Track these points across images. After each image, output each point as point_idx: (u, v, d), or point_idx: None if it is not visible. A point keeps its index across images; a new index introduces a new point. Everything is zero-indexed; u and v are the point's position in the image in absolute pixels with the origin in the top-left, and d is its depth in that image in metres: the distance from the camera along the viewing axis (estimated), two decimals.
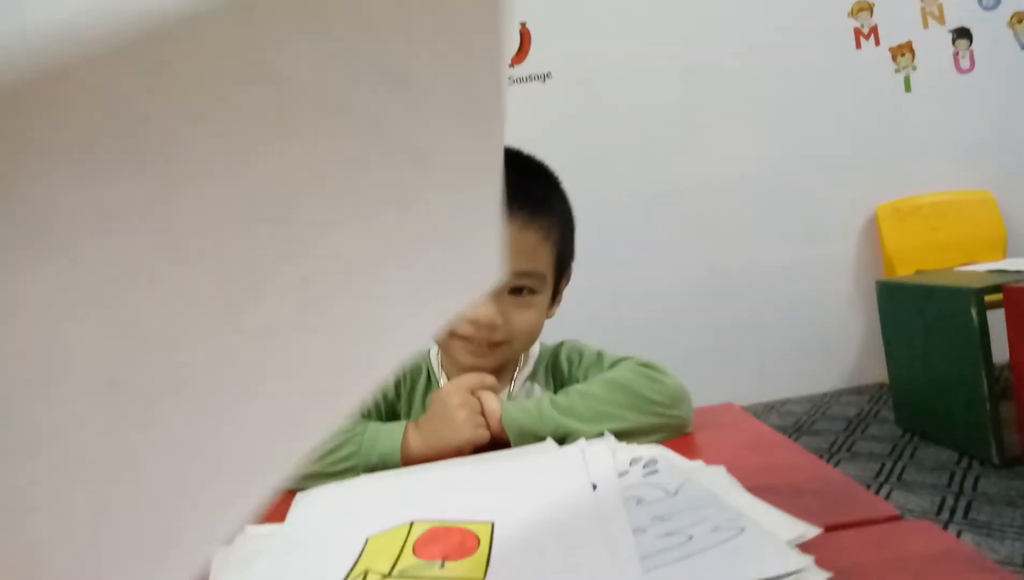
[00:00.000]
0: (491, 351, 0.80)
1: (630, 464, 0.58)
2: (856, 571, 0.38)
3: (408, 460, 0.72)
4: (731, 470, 0.54)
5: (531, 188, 0.80)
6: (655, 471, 0.55)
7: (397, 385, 0.90)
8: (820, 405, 2.80)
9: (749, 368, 2.94)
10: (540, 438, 0.70)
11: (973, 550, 0.40)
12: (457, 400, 0.73)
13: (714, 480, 0.53)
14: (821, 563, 0.37)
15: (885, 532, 0.44)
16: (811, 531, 0.41)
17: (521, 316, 0.79)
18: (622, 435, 0.68)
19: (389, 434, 0.73)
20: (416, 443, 0.72)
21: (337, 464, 0.72)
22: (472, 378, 0.76)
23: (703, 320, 2.93)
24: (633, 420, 0.69)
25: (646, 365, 0.75)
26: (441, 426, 0.72)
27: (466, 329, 0.78)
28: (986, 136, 2.96)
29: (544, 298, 0.82)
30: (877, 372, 2.94)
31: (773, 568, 0.36)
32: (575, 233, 0.87)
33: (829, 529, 0.42)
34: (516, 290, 0.79)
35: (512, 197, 0.80)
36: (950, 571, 0.38)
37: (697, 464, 0.57)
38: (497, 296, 0.78)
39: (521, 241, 0.77)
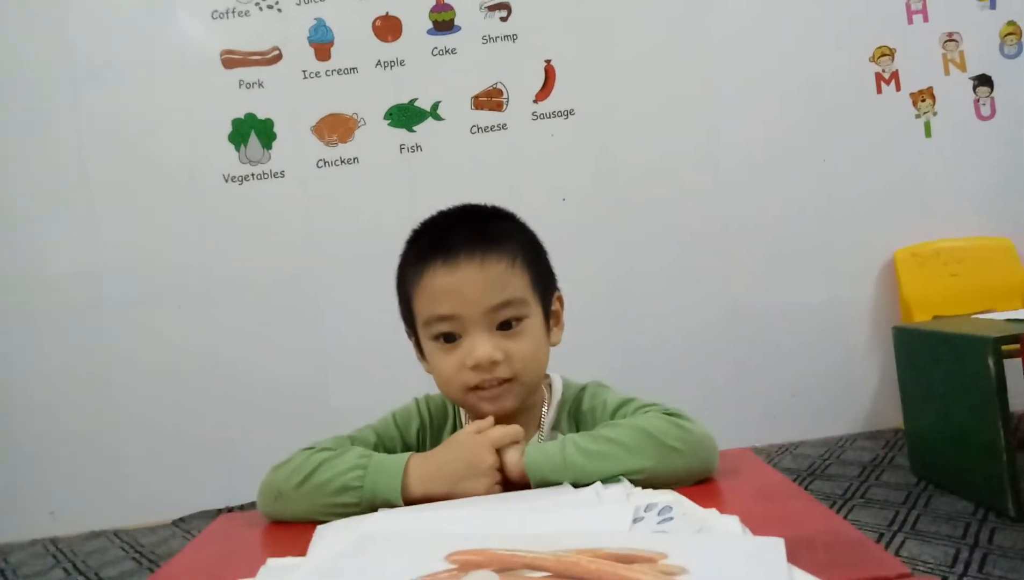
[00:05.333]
0: (505, 391, 0.81)
1: (645, 510, 0.59)
2: None
3: (409, 499, 0.72)
4: (744, 519, 0.55)
5: (483, 227, 0.84)
6: (670, 518, 0.56)
7: (419, 431, 0.90)
8: (835, 449, 2.78)
9: (764, 409, 2.92)
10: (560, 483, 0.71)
11: None
12: (482, 451, 0.73)
13: (727, 529, 0.54)
14: None
15: None
16: None
17: (518, 346, 0.81)
18: (646, 481, 0.69)
19: (390, 477, 0.72)
20: (420, 478, 0.72)
21: (344, 507, 0.72)
22: (497, 432, 0.75)
23: (720, 361, 2.92)
24: (658, 467, 0.70)
25: (672, 413, 0.76)
26: (461, 469, 0.72)
27: (473, 377, 0.80)
28: (1006, 183, 2.95)
29: (535, 322, 0.83)
30: (893, 417, 2.91)
31: None
32: (547, 256, 0.89)
33: None
34: (504, 325, 0.81)
35: (466, 241, 0.84)
36: None
37: (711, 512, 0.58)
38: (489, 335, 0.80)
39: (487, 275, 0.80)
